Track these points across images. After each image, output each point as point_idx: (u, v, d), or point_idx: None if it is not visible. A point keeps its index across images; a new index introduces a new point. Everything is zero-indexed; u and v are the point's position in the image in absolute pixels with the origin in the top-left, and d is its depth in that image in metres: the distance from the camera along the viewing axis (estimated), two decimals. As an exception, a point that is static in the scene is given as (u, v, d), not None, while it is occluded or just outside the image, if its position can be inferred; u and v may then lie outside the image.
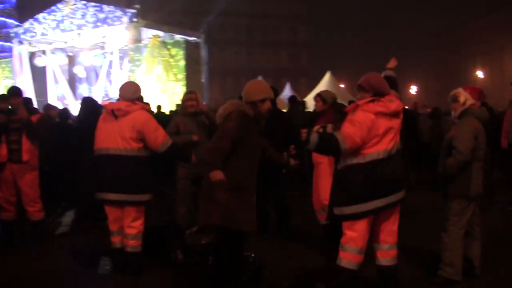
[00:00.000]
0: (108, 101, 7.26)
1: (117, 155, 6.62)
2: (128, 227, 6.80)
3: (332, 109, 7.57)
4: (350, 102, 12.81)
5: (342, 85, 40.02)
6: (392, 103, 5.47)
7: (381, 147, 5.34)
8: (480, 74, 65.61)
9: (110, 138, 6.65)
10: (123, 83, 7.18)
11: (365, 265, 5.61)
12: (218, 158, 5.22)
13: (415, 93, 69.21)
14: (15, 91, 8.34)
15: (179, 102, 19.33)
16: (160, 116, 14.41)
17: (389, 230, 5.63)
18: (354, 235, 5.45)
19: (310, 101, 29.12)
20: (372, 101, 5.42)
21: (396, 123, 5.50)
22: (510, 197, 11.09)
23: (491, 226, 8.24)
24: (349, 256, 5.49)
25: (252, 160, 5.52)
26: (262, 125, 5.71)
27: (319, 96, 7.74)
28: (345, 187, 5.42)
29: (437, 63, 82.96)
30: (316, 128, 5.38)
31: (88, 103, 10.07)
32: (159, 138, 6.67)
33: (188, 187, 8.14)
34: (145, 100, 13.57)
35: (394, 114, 5.47)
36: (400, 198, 5.51)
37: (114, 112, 6.66)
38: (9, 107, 8.17)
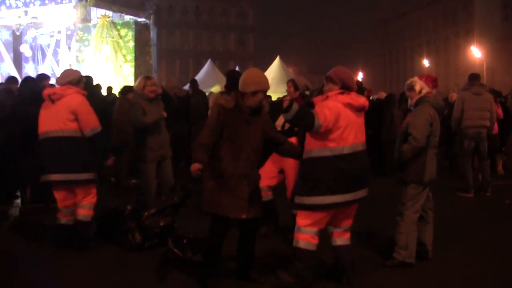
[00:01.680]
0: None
1: (55, 137, 6.91)
2: (79, 200, 7.11)
3: (302, 97, 7.61)
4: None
5: (290, 70, 40.17)
6: (361, 98, 5.67)
7: (347, 142, 5.47)
8: (426, 63, 66.79)
9: (49, 122, 6.96)
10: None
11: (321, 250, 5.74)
12: (201, 153, 5.53)
13: (361, 80, 70.08)
14: None
15: (130, 84, 19.21)
16: (110, 98, 14.27)
17: (348, 215, 5.81)
18: (314, 219, 5.59)
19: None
20: (341, 93, 5.57)
21: (362, 120, 5.67)
22: (460, 184, 11.40)
23: (443, 211, 8.48)
24: (306, 237, 5.62)
25: (236, 149, 5.59)
26: (264, 113, 5.89)
27: (291, 82, 7.76)
28: (308, 178, 5.54)
29: (384, 51, 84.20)
30: (287, 97, 5.49)
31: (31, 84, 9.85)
32: (91, 122, 6.97)
33: (153, 169, 8.20)
34: (95, 82, 13.51)
35: (360, 109, 5.63)
36: (362, 197, 5.68)
37: (50, 96, 6.98)
38: None
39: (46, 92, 7.09)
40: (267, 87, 5.75)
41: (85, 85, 9.95)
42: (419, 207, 6.53)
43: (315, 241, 5.64)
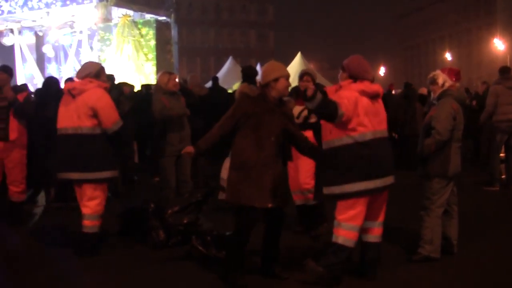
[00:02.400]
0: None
1: (73, 134, 6.74)
2: (83, 206, 6.85)
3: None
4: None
5: (311, 66, 40.09)
6: (374, 85, 5.65)
7: (367, 129, 5.45)
8: (448, 56, 66.23)
9: (68, 118, 6.77)
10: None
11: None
12: (203, 141, 5.72)
13: (383, 75, 69.78)
14: (3, 68, 8.34)
15: (151, 83, 19.28)
16: (135, 95, 14.33)
17: (380, 208, 5.79)
18: (352, 213, 5.54)
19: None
20: (354, 81, 5.58)
21: (379, 106, 5.65)
22: (486, 177, 11.30)
23: (467, 204, 8.41)
24: (346, 233, 5.57)
25: (260, 138, 5.58)
26: (288, 108, 5.96)
27: (309, 76, 7.71)
28: (334, 168, 5.50)
29: (406, 45, 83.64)
30: (311, 85, 5.53)
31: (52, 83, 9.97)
32: (112, 116, 6.78)
33: (172, 164, 8.25)
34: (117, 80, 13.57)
35: (375, 96, 5.61)
36: (390, 183, 5.65)
37: (70, 91, 6.78)
38: None
39: (66, 86, 6.95)
40: (287, 73, 5.80)
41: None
42: (444, 202, 6.47)
43: (355, 238, 5.60)
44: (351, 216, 5.54)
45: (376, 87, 5.65)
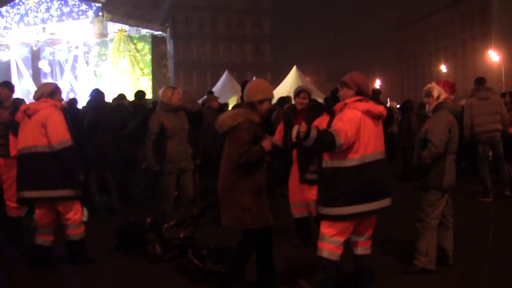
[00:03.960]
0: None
1: (30, 153, 6.77)
2: (61, 219, 6.96)
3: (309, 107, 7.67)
4: (325, 99, 12.81)
5: (307, 79, 40.17)
6: (379, 106, 5.64)
7: (367, 151, 5.43)
8: (443, 68, 66.43)
9: (24, 138, 6.84)
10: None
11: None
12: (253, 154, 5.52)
13: (379, 87, 69.89)
14: (5, 83, 8.46)
15: (148, 97, 19.30)
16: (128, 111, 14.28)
17: (369, 224, 5.75)
18: (338, 230, 5.53)
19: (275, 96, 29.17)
20: (360, 100, 5.53)
21: (380, 128, 5.64)
22: (480, 188, 11.33)
23: (463, 216, 8.43)
24: (331, 247, 5.56)
25: (264, 160, 5.71)
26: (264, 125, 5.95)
27: (306, 93, 7.74)
28: (330, 188, 5.49)
29: (401, 57, 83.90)
30: (303, 124, 5.47)
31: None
32: (58, 135, 6.70)
33: (172, 182, 8.22)
34: (114, 95, 13.57)
35: (379, 117, 5.60)
36: (385, 206, 5.61)
37: (26, 112, 6.87)
38: None
39: (22, 108, 7.01)
40: (272, 95, 5.81)
41: (96, 99, 10.03)
42: (439, 213, 6.50)
43: (339, 251, 5.58)
44: (336, 232, 5.53)
45: (381, 109, 5.61)
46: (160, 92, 8.57)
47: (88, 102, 10.65)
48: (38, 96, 6.98)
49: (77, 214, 6.96)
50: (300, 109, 7.68)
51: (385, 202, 5.60)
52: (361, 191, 5.40)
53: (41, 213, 6.95)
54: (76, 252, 7.04)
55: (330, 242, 5.55)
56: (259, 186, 5.60)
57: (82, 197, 7.36)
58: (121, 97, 13.37)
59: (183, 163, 8.17)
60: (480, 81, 11.33)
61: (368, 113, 5.47)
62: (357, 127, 5.36)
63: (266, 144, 5.55)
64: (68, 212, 6.88)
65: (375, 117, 5.55)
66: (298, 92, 7.75)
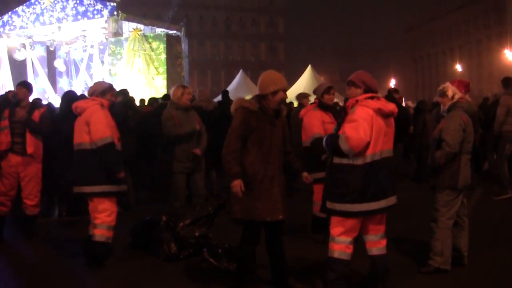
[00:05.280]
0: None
1: (77, 150, 6.97)
2: (93, 218, 6.98)
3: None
4: (346, 99, 12.78)
5: (322, 78, 40.16)
6: (390, 104, 5.61)
7: (376, 149, 5.43)
8: (458, 67, 66.03)
9: (76, 134, 7.00)
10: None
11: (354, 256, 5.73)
12: (233, 163, 5.54)
13: (393, 86, 69.56)
14: (23, 83, 8.57)
15: (159, 96, 19.35)
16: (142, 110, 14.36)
17: (379, 221, 5.74)
18: (344, 230, 5.56)
19: (290, 95, 29.19)
20: (371, 98, 5.53)
21: (391, 126, 5.62)
22: (494, 188, 11.30)
23: (476, 215, 8.41)
24: (341, 247, 5.58)
25: (265, 151, 5.64)
26: (283, 116, 5.88)
27: (334, 89, 7.93)
28: (340, 185, 5.50)
29: (416, 56, 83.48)
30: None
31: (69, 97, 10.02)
32: (99, 132, 6.82)
33: (182, 181, 8.23)
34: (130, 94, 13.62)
35: (389, 115, 5.58)
36: (392, 204, 5.60)
37: (75, 110, 7.06)
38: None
39: (73, 106, 7.15)
40: (285, 85, 5.78)
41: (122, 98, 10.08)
42: (454, 213, 6.49)
43: (349, 250, 5.60)
44: (345, 231, 5.55)
45: (392, 107, 5.59)
46: (171, 91, 8.60)
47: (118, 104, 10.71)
48: (90, 93, 7.21)
49: (110, 216, 6.96)
50: (330, 106, 7.81)
51: (392, 200, 5.60)
52: (371, 189, 5.41)
53: (89, 208, 7.07)
54: (95, 253, 6.99)
55: (339, 242, 5.58)
56: (252, 176, 5.58)
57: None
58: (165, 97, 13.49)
59: (192, 162, 8.20)
60: (510, 81, 11.35)
61: (379, 111, 5.46)
62: (370, 124, 5.37)
63: (234, 186, 5.53)
64: (100, 212, 6.92)
65: (386, 115, 5.54)
66: (329, 89, 7.80)
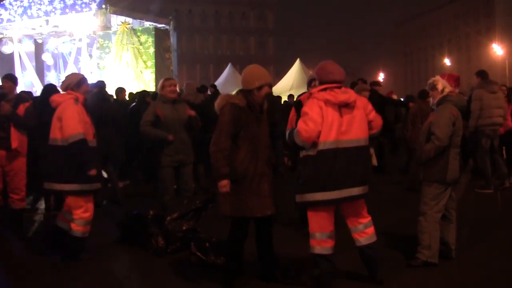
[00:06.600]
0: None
1: (49, 145, 6.88)
2: (70, 215, 6.90)
3: None
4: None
5: (311, 72, 40.15)
6: (343, 94, 5.55)
7: (328, 138, 5.43)
8: (447, 61, 66.26)
9: (51, 129, 6.90)
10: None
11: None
12: (222, 162, 5.50)
13: (382, 80, 69.75)
14: (8, 76, 8.43)
15: (151, 90, 19.30)
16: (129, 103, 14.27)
17: (358, 213, 5.77)
18: (319, 223, 5.59)
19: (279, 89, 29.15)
20: (324, 89, 5.56)
21: (352, 116, 5.55)
22: (482, 182, 11.34)
23: (464, 209, 8.42)
24: (319, 242, 5.62)
25: (254, 147, 5.64)
26: (264, 110, 5.84)
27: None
28: (300, 176, 5.59)
29: (405, 50, 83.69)
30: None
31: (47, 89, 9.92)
32: (70, 128, 6.67)
33: (170, 175, 8.17)
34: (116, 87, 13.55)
35: (343, 105, 5.53)
36: (358, 194, 5.58)
37: (51, 104, 6.95)
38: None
39: (50, 99, 7.07)
40: (270, 79, 5.79)
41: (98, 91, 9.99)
42: (442, 207, 6.49)
43: (328, 244, 5.63)
44: (320, 226, 5.59)
45: (345, 97, 5.52)
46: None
47: (93, 95, 10.63)
48: (65, 87, 7.03)
49: (87, 213, 6.87)
50: None
51: (357, 191, 5.57)
52: (325, 178, 5.43)
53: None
54: (72, 248, 6.94)
55: (316, 238, 5.64)
56: (242, 173, 5.56)
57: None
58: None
59: (180, 155, 8.08)
60: (485, 74, 11.36)
61: (328, 102, 5.48)
62: (320, 115, 5.43)
63: (221, 186, 5.54)
64: (76, 208, 6.83)
65: (339, 105, 5.51)
66: (310, 81, 7.75)
